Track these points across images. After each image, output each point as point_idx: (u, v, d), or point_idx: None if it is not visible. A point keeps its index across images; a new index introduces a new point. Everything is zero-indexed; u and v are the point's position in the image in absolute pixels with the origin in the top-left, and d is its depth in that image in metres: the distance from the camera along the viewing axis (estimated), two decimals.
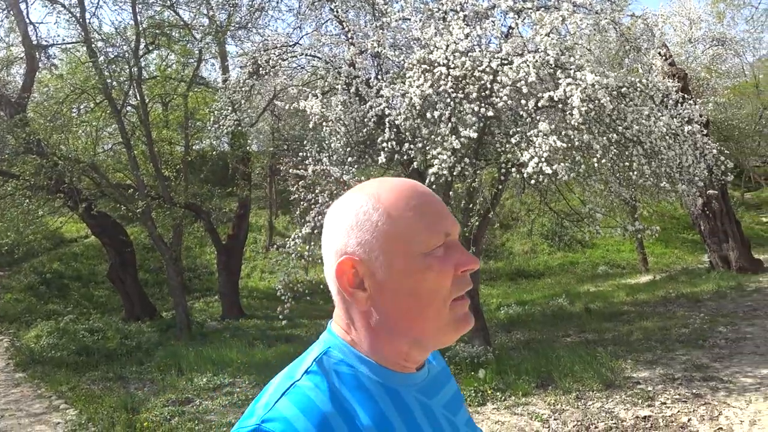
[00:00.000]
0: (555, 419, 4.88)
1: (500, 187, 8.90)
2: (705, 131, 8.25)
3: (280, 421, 0.73)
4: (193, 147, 11.05)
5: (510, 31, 7.53)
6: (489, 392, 5.78)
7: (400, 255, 0.80)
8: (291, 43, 8.58)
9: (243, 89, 8.16)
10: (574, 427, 4.60)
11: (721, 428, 4.20)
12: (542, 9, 6.80)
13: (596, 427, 4.52)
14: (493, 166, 7.96)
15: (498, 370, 6.37)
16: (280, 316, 7.39)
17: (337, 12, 8.17)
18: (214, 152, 10.77)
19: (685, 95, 9.26)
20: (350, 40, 7.60)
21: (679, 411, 4.61)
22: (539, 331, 9.21)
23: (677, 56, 14.55)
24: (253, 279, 13.39)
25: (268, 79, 8.53)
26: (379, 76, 7.15)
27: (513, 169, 6.88)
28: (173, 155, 10.29)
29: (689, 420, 4.44)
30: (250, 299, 12.16)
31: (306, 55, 8.20)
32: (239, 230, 11.12)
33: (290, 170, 8.06)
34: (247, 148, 10.74)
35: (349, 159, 7.61)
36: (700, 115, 8.53)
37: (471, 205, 8.78)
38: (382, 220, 0.81)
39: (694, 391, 5.09)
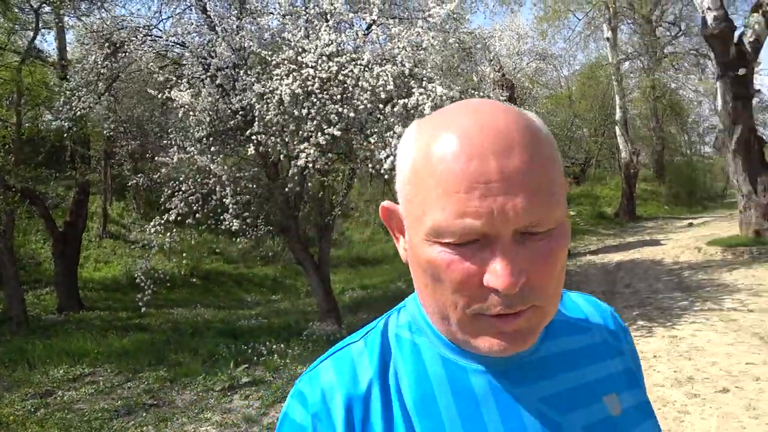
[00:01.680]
0: None
1: (352, 180, 9.96)
2: None
3: (312, 385, 0.70)
4: (26, 126, 10.53)
5: (366, 36, 8.53)
6: None
7: (413, 218, 0.64)
8: (150, 26, 8.75)
9: (99, 70, 8.21)
10: None
11: None
12: (400, 24, 7.93)
13: None
14: (348, 162, 8.94)
15: None
16: (140, 303, 7.67)
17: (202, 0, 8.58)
18: (50, 133, 10.32)
19: (513, 104, 11.08)
20: (217, 34, 8.05)
21: None
22: (382, 312, 10.43)
23: (506, 67, 16.75)
24: (87, 269, 12.98)
25: (128, 62, 8.63)
26: (247, 71, 7.71)
27: (370, 166, 7.93)
28: (4, 135, 9.77)
29: None
30: (86, 290, 11.87)
31: (170, 42, 8.47)
32: (77, 216, 10.84)
33: (148, 157, 8.33)
34: (87, 129, 10.54)
35: (213, 148, 8.09)
36: None
37: (324, 196, 9.75)
38: (413, 156, 0.64)
39: None
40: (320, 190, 9.60)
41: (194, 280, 12.44)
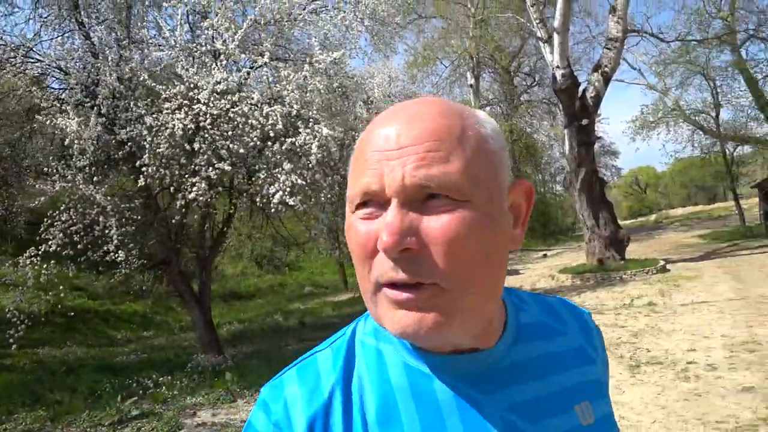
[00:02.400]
0: None
1: (232, 213, 10.26)
2: None
3: (276, 394, 0.71)
4: None
5: (249, 76, 8.98)
6: (238, 391, 7.09)
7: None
8: (26, 46, 8.54)
9: None
10: None
11: None
12: (289, 67, 8.52)
13: None
14: (235, 196, 9.27)
15: (241, 374, 7.69)
16: (11, 341, 7.40)
17: (85, 26, 8.60)
18: None
19: None
20: (100, 61, 8.09)
21: None
22: (263, 343, 10.75)
23: (379, 108, 17.80)
24: None
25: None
26: (137, 103, 7.85)
27: (258, 200, 8.34)
28: None
29: None
30: None
31: (51, 65, 8.38)
32: None
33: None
34: None
35: (95, 178, 8.07)
36: None
37: (206, 229, 9.96)
38: (356, 144, 0.69)
39: None
40: (203, 223, 9.80)
41: (57, 318, 11.87)
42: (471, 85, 25.90)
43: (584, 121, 14.15)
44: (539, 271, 16.03)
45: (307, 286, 20.12)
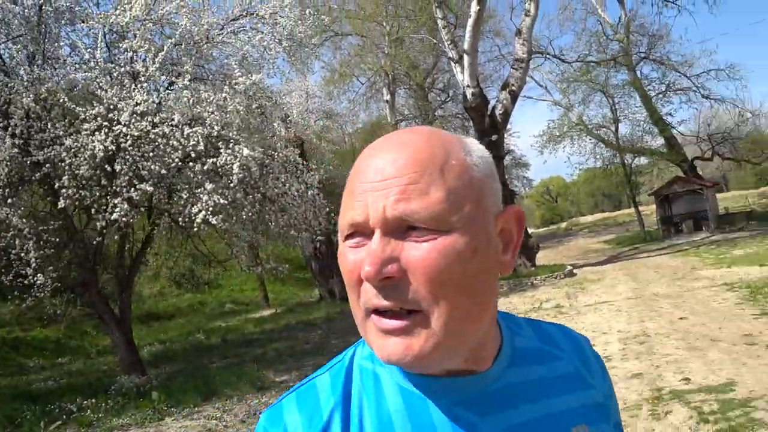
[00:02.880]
0: (227, 416, 6.72)
1: (152, 233, 10.31)
2: (320, 193, 11.34)
3: (275, 422, 0.72)
4: None
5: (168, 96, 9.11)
6: (165, 409, 7.24)
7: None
8: None
9: None
10: (244, 416, 6.54)
11: None
12: (209, 89, 8.76)
13: (260, 412, 6.56)
14: (157, 216, 9.35)
15: (167, 393, 7.82)
16: None
17: None
18: None
19: (306, 161, 12.40)
20: (11, 79, 7.98)
21: None
22: (186, 362, 10.81)
23: (296, 124, 18.13)
24: None
25: None
26: (54, 124, 7.83)
27: (180, 219, 8.49)
28: None
29: None
30: None
31: None
32: None
33: None
34: None
35: (9, 200, 7.97)
36: (319, 182, 11.60)
37: (124, 250, 9.98)
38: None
39: None
40: (122, 244, 9.80)
41: None
42: (387, 101, 26.65)
43: (494, 137, 15.08)
44: None
45: (227, 304, 20.06)
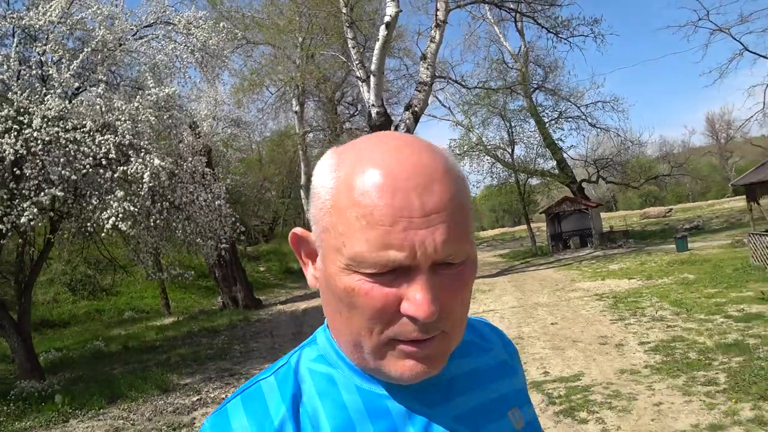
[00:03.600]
0: (133, 415, 7.09)
1: (52, 237, 10.36)
2: (227, 203, 11.77)
3: (221, 425, 0.71)
4: None
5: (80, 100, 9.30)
6: (69, 411, 7.48)
7: (331, 248, 0.67)
8: None
9: None
10: (151, 414, 6.94)
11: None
12: (121, 99, 9.05)
13: (166, 411, 6.98)
14: (64, 221, 9.45)
15: (71, 397, 8.03)
16: None
17: None
18: None
19: (212, 170, 12.77)
20: None
21: (220, 393, 7.54)
22: (87, 369, 10.87)
23: (203, 131, 18.30)
24: None
25: None
26: None
27: (89, 225, 8.72)
28: None
29: (227, 395, 7.37)
30: None
31: None
32: None
33: None
34: None
35: None
36: (226, 191, 12.03)
37: (24, 255, 10.01)
38: (334, 187, 0.67)
39: (225, 381, 8.13)
40: (22, 248, 9.81)
41: None
42: (296, 112, 27.15)
43: None
44: None
45: (127, 312, 19.74)
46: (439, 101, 26.81)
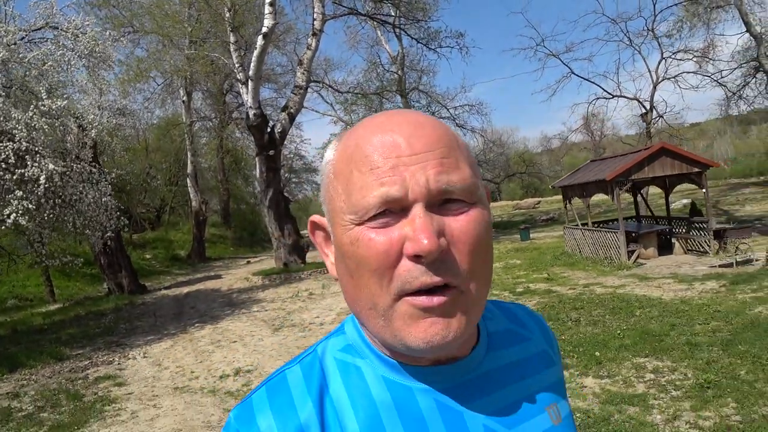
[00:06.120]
0: (35, 376, 8.99)
1: None
2: (112, 191, 13.51)
3: (246, 419, 0.71)
4: None
5: None
6: None
7: (336, 212, 0.70)
8: None
9: None
10: (50, 374, 8.88)
11: (134, 358, 9.36)
12: (17, 108, 10.66)
13: (63, 371, 8.95)
14: None
15: None
16: None
17: None
18: None
19: (98, 164, 14.42)
20: None
21: (109, 357, 9.59)
22: None
23: (90, 126, 19.49)
24: None
25: None
26: None
27: None
28: None
29: (114, 359, 9.42)
30: None
31: None
32: None
33: None
34: None
35: None
36: (112, 181, 13.74)
37: None
38: (333, 160, 0.72)
39: (112, 350, 10.16)
40: None
41: None
42: (183, 101, 28.54)
43: (271, 152, 18.23)
44: (239, 275, 19.77)
45: (10, 300, 20.69)
46: (322, 98, 29.17)
